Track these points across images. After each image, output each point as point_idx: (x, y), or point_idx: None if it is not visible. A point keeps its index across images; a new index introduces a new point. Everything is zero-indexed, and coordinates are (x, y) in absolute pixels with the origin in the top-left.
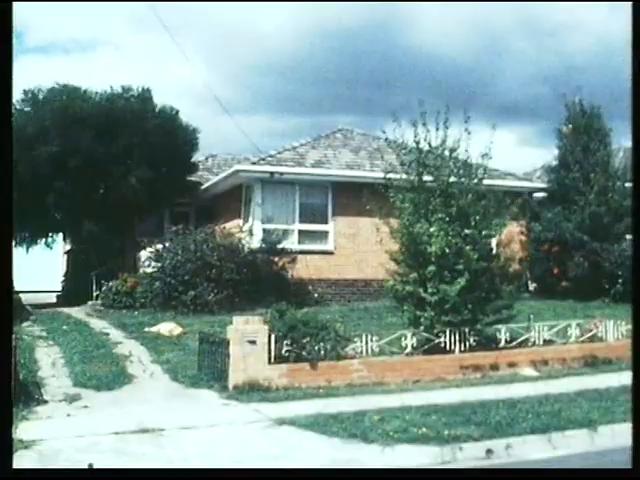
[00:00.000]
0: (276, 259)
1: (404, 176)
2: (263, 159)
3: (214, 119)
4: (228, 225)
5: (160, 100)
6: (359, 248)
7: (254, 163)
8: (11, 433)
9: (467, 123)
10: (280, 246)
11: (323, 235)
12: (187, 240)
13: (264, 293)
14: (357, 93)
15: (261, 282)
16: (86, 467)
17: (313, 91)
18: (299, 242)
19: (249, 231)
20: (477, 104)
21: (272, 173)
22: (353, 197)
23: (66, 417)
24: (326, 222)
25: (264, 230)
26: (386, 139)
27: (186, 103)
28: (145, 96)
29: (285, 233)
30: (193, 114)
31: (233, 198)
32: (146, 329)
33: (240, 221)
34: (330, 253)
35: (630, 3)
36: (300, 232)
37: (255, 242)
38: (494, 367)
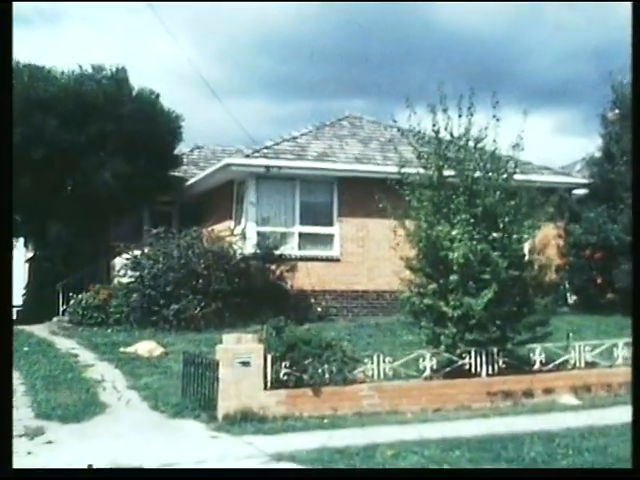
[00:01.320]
0: (273, 267)
1: (422, 171)
2: (258, 151)
3: (201, 104)
4: (217, 227)
5: (138, 82)
6: (369, 254)
7: (247, 156)
8: (11, 433)
9: (495, 108)
10: (278, 252)
11: (328, 239)
12: (169, 245)
13: (259, 306)
14: (367, 74)
15: (256, 294)
16: (86, 467)
17: (316, 72)
18: (300, 247)
19: (242, 234)
20: (507, 86)
21: (268, 167)
22: (362, 195)
23: (27, 455)
24: (331, 224)
25: (259, 233)
26: (400, 128)
27: (168, 85)
28: (120, 77)
29: (283, 237)
30: (176, 98)
31: (223, 196)
32: (121, 349)
33: (231, 223)
34: (336, 260)
35: (630, 3)
36: (301, 235)
37: (249, 247)
38: (528, 394)
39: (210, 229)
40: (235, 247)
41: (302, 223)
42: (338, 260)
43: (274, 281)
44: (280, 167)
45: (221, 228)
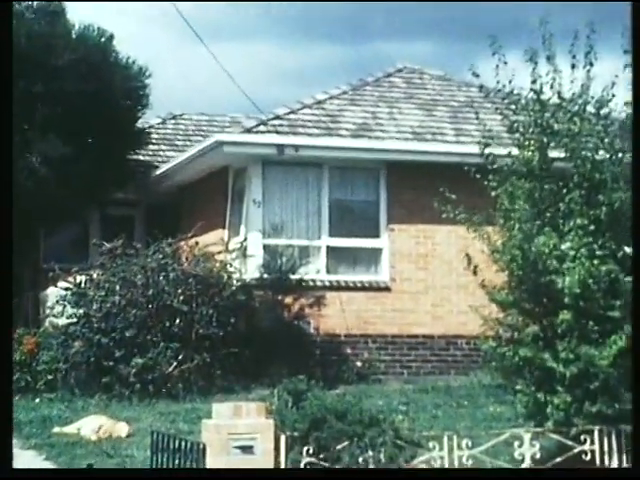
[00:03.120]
0: (288, 300)
1: (515, 151)
2: (265, 123)
3: (178, 51)
4: (203, 240)
5: (80, 18)
6: (435, 280)
7: (249, 130)
8: (11, 433)
9: (627, 53)
10: (295, 276)
11: (372, 257)
12: (131, 267)
13: (267, 360)
14: (430, 4)
15: (262, 340)
16: (86, 467)
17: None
18: (329, 270)
19: (240, 250)
20: None
21: (281, 147)
22: (425, 190)
23: None
24: (377, 234)
25: (267, 248)
26: (482, 86)
27: (128, 23)
28: (54, 11)
29: (304, 254)
30: (141, 41)
31: (212, 192)
32: (56, 429)
33: (224, 233)
34: (384, 289)
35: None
36: (331, 252)
37: (251, 270)
38: None
39: (193, 242)
40: (230, 269)
41: (333, 233)
42: (387, 289)
43: (290, 321)
44: (298, 147)
45: (209, 240)
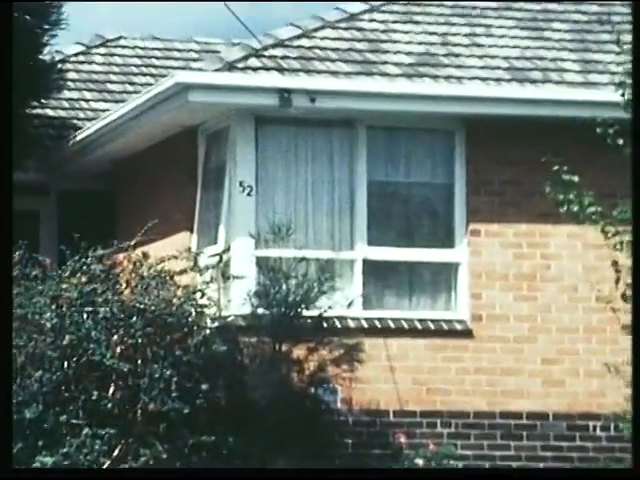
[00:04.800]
0: (298, 351)
1: None
2: (257, 53)
3: None
4: (156, 250)
5: None
6: (548, 319)
7: (231, 66)
8: (11, 433)
9: None
10: (311, 312)
11: (440, 279)
12: (34, 299)
13: (262, 456)
14: None
15: (254, 421)
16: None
17: None
18: (368, 302)
19: (218, 268)
20: None
21: (286, 95)
22: (531, 166)
23: None
24: (449, 241)
25: (262, 264)
26: None
27: None
28: None
29: (326, 274)
30: None
31: (169, 170)
32: None
33: (191, 238)
34: (462, 334)
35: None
36: (370, 270)
37: (237, 301)
38: None
39: (138, 255)
40: (202, 300)
41: (373, 240)
42: (468, 334)
43: (302, 388)
44: (315, 93)
45: (167, 252)
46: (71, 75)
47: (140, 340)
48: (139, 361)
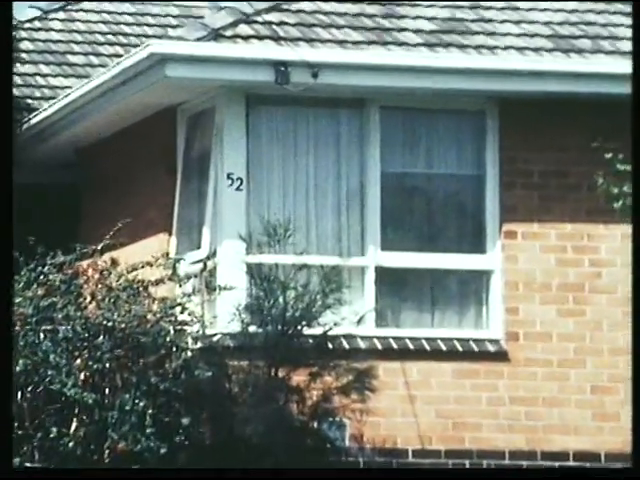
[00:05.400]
0: (298, 377)
1: None
2: (248, 19)
3: None
4: (127, 255)
5: None
6: (599, 338)
7: (217, 34)
8: (11, 433)
9: None
10: (314, 330)
11: (468, 290)
12: None
13: None
14: None
15: (247, 461)
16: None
17: None
18: (381, 318)
19: (202, 277)
20: None
21: (284, 68)
22: (580, 153)
23: None
24: (479, 245)
25: (255, 272)
26: None
27: None
28: None
29: (331, 284)
30: None
31: (143, 158)
32: None
33: (169, 241)
34: (495, 356)
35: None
36: (384, 279)
37: (224, 317)
38: None
39: (105, 261)
40: (183, 316)
41: (388, 244)
42: (502, 356)
43: (303, 422)
44: (319, 67)
45: (140, 258)
46: (24, 45)
47: (108, 365)
48: (107, 390)
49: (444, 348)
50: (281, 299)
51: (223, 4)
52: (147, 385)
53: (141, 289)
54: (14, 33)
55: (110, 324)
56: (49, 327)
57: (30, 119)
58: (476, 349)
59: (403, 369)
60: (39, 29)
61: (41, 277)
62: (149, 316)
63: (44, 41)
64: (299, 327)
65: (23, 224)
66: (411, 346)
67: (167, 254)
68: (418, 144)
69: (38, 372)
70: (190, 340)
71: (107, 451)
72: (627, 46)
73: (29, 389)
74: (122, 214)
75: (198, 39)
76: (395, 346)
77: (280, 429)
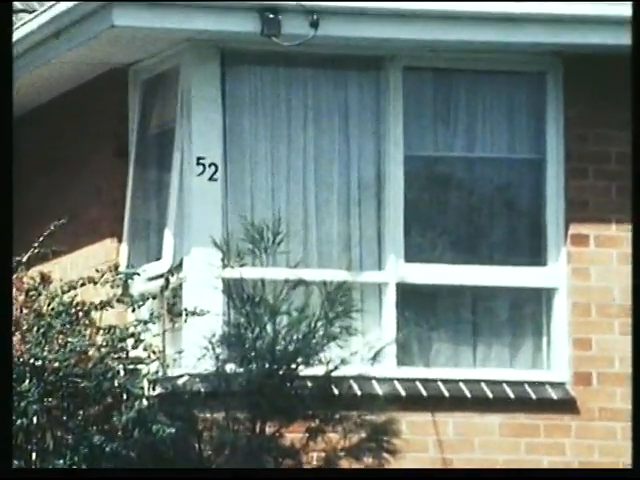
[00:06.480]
0: (294, 432)
1: None
2: None
3: None
4: (64, 266)
5: None
6: None
7: None
8: (11, 433)
9: None
10: (314, 370)
11: (524, 314)
12: None
13: None
14: None
15: None
16: (85, 467)
17: None
18: (404, 354)
19: (164, 297)
20: None
21: (272, 14)
22: None
23: None
24: (538, 257)
25: (234, 290)
26: None
27: None
28: None
29: (338, 305)
30: None
31: (85, 136)
32: None
33: (119, 248)
34: (559, 405)
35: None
36: (408, 300)
37: (190, 353)
38: None
39: (33, 276)
40: (135, 352)
41: (412, 254)
42: (569, 406)
43: None
44: (319, 15)
45: (82, 271)
46: None
47: (36, 420)
48: (33, 455)
49: (490, 395)
50: (269, 327)
51: None
52: (89, 447)
53: (81, 315)
54: None
55: (39, 363)
56: None
57: None
58: (534, 396)
59: (435, 424)
60: None
61: None
62: (91, 352)
63: None
64: (293, 366)
65: None
66: (445, 392)
67: (116, 267)
68: (454, 118)
69: None
70: (146, 384)
71: None
72: None
73: None
74: (55, 212)
75: None
76: (424, 392)
77: None
